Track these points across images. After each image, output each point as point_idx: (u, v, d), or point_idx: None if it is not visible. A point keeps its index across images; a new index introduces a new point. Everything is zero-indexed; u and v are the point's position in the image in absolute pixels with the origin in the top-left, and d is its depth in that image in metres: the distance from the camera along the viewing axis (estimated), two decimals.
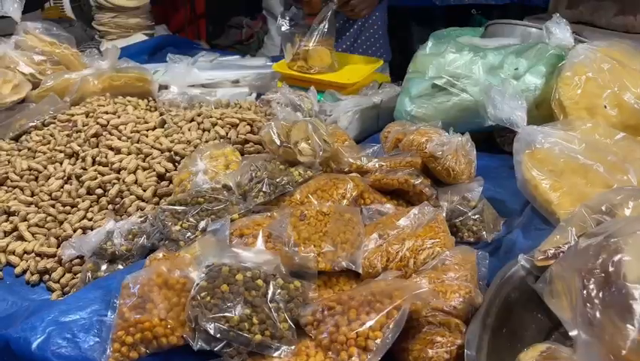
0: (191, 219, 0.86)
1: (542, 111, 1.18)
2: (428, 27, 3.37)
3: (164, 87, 1.59)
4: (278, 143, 0.96)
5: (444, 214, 0.89)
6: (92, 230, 0.96)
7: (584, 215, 0.75)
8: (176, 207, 0.88)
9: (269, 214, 0.84)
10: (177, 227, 0.85)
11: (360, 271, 0.75)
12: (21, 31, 1.54)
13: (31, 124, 1.29)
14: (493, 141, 1.31)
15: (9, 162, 1.17)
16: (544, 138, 0.98)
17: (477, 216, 0.92)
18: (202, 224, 0.85)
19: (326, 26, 1.58)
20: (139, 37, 2.16)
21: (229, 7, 4.17)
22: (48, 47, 1.53)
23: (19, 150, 1.21)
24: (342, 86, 1.50)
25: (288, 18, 1.58)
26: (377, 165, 0.97)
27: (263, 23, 3.71)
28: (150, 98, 1.43)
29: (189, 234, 0.84)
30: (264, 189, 0.89)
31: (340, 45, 1.91)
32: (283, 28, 1.56)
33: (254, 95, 1.65)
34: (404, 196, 0.96)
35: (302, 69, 1.56)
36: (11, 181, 1.11)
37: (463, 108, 1.22)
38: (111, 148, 1.11)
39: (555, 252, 0.72)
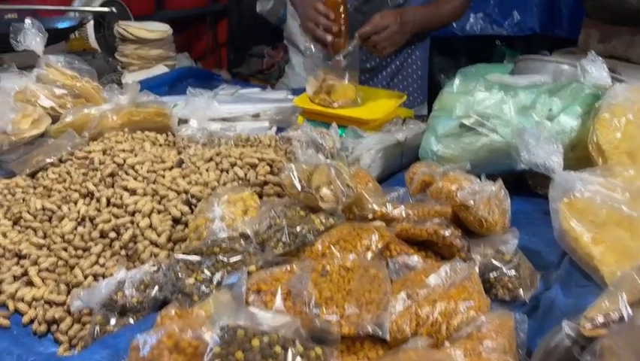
0: (206, 272, 0.81)
1: (578, 153, 1.12)
2: (449, 57, 3.35)
3: (183, 121, 1.57)
4: (299, 188, 0.92)
5: (477, 268, 0.83)
6: (103, 277, 0.92)
7: (635, 279, 0.68)
8: (190, 258, 0.83)
9: (288, 268, 0.79)
10: (191, 280, 0.80)
11: (387, 337, 0.69)
12: (43, 64, 1.54)
13: (48, 160, 1.26)
14: (525, 183, 1.24)
15: (24, 200, 1.15)
16: (584, 186, 0.91)
17: (513, 272, 0.85)
18: (217, 277, 0.80)
19: (350, 60, 1.55)
20: (160, 68, 2.17)
21: (251, 37, 4.21)
22: (69, 80, 1.52)
23: (35, 188, 1.19)
24: (364, 121, 1.45)
25: (314, 52, 1.55)
26: (404, 214, 0.92)
27: (284, 52, 3.72)
28: (169, 133, 1.40)
29: (204, 288, 0.79)
30: (283, 240, 0.84)
31: (377, 84, 1.87)
32: (309, 64, 1.53)
33: (274, 128, 1.62)
34: (433, 247, 0.90)
35: (324, 102, 1.52)
36: (25, 221, 1.08)
37: (493, 149, 1.16)
38: (126, 189, 1.07)
39: (605, 320, 0.65)
